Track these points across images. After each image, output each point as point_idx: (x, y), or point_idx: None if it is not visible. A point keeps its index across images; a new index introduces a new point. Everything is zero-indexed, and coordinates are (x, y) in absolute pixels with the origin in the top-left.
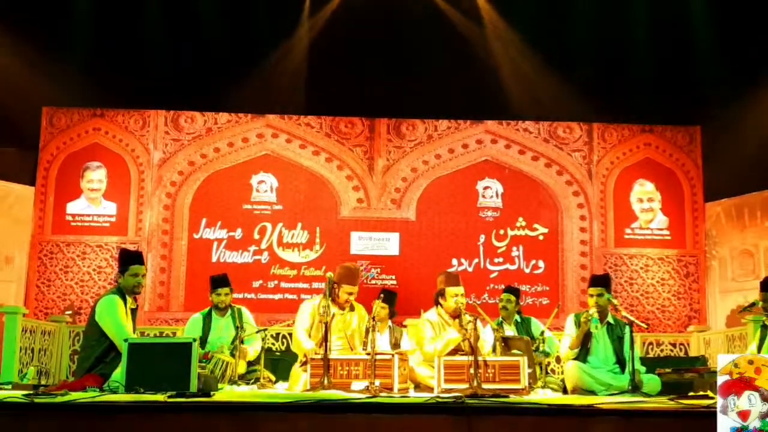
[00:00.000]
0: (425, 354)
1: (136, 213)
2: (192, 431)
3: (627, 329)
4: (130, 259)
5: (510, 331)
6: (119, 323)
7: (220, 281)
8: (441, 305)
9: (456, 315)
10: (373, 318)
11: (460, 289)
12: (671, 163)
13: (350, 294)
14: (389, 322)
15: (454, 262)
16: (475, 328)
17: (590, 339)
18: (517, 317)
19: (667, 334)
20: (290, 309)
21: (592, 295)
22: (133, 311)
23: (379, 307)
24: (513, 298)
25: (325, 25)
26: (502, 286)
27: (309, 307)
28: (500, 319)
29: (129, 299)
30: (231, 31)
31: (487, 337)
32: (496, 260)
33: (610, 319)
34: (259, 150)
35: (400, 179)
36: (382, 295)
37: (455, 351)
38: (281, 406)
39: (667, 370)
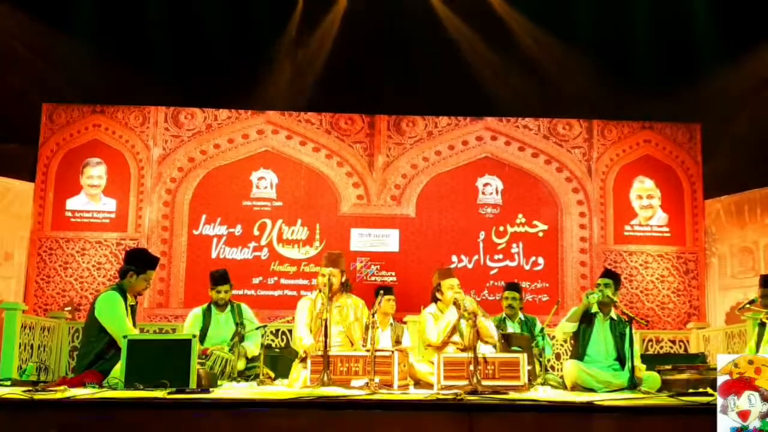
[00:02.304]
0: (429, 340)
1: (136, 209)
2: (191, 428)
3: (628, 327)
4: (149, 262)
5: (512, 328)
6: (119, 320)
7: (220, 279)
8: (440, 300)
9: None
10: (374, 314)
11: (455, 281)
12: (671, 160)
13: (334, 276)
14: (390, 319)
15: (454, 258)
16: (475, 325)
17: (591, 326)
18: (520, 316)
19: (667, 331)
20: (290, 305)
21: (599, 284)
22: (133, 308)
23: (386, 300)
24: (517, 295)
25: (326, 22)
26: (502, 283)
27: (307, 303)
28: (503, 315)
29: (129, 296)
30: (231, 27)
31: (489, 325)
32: (496, 257)
33: (612, 314)
34: (259, 146)
35: (400, 176)
36: (381, 291)
37: (452, 333)
38: (281, 402)
39: (667, 366)
